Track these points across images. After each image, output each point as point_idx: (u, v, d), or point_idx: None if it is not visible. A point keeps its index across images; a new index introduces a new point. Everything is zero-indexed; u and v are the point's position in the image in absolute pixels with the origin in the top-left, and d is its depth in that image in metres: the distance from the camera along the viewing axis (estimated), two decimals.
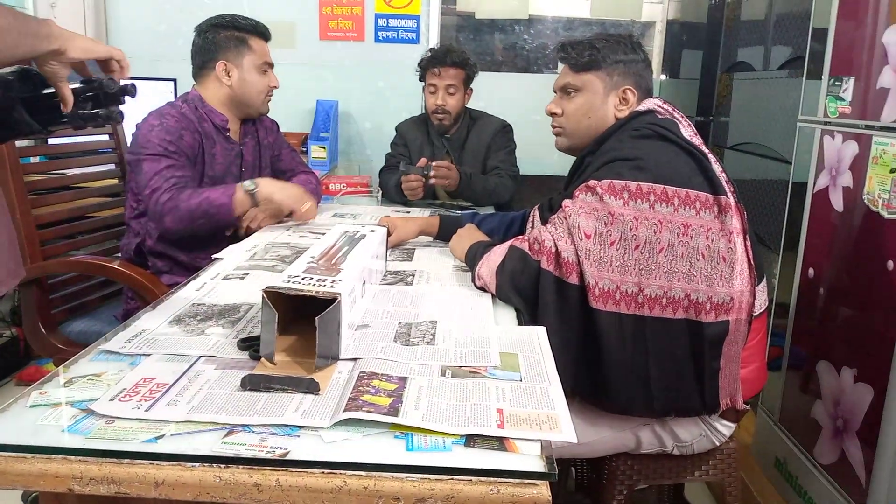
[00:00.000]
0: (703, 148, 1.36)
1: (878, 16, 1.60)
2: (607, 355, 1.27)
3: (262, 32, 1.97)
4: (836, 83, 1.74)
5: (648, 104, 1.42)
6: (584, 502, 1.86)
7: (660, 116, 1.39)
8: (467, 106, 2.57)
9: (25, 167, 1.97)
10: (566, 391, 1.32)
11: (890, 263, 1.51)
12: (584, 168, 1.41)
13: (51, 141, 2.60)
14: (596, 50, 1.45)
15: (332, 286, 0.98)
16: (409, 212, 2.24)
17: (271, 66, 1.99)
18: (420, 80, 2.54)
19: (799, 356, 1.93)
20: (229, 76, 1.91)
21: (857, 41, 1.69)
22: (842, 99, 1.71)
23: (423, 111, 2.62)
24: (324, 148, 3.15)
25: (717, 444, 1.45)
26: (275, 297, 0.96)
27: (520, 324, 1.23)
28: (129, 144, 1.92)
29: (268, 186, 1.83)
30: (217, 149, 1.92)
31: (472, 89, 2.55)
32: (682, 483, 1.81)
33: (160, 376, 0.93)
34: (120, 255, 2.15)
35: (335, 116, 3.32)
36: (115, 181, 2.30)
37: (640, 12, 3.46)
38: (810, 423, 1.81)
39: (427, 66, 2.48)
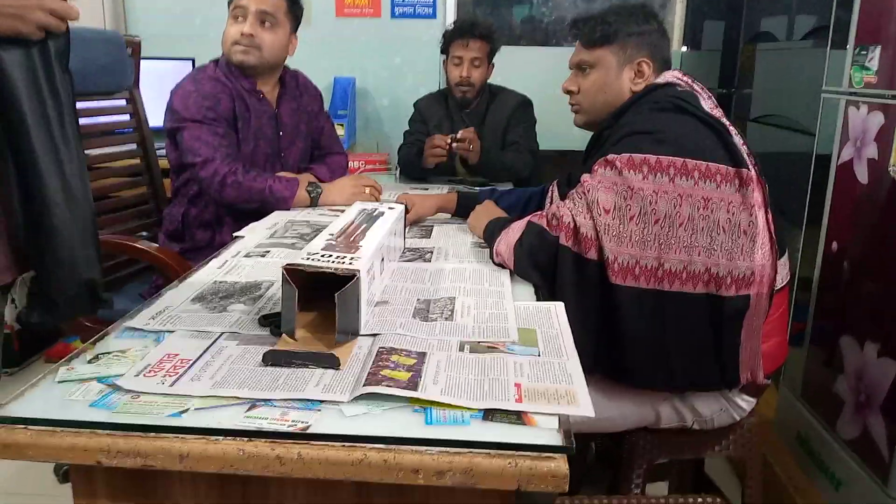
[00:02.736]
0: (724, 120, 1.34)
1: None
2: (627, 330, 1.27)
3: None
4: (862, 52, 1.70)
5: (667, 76, 1.40)
6: (605, 476, 1.87)
7: (679, 89, 1.37)
8: (487, 81, 2.55)
9: None
10: (586, 366, 1.32)
11: None
12: (603, 142, 1.40)
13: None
14: (608, 24, 1.43)
15: (350, 263, 0.99)
16: (427, 189, 2.24)
17: (244, 9, 1.84)
18: (442, 52, 2.52)
19: (822, 331, 1.91)
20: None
21: (884, 8, 1.64)
22: (868, 69, 1.68)
23: (442, 86, 2.60)
24: (342, 126, 3.15)
25: (738, 419, 1.45)
26: (295, 274, 0.96)
27: (538, 300, 1.23)
28: (165, 111, 1.90)
29: (330, 193, 1.84)
30: (251, 112, 1.90)
31: (493, 64, 2.52)
32: (703, 458, 1.81)
33: (184, 352, 0.94)
34: (145, 233, 2.18)
35: (353, 94, 3.31)
36: (137, 161, 2.32)
37: None
38: (833, 397, 1.80)
39: (452, 38, 2.45)
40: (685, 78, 1.41)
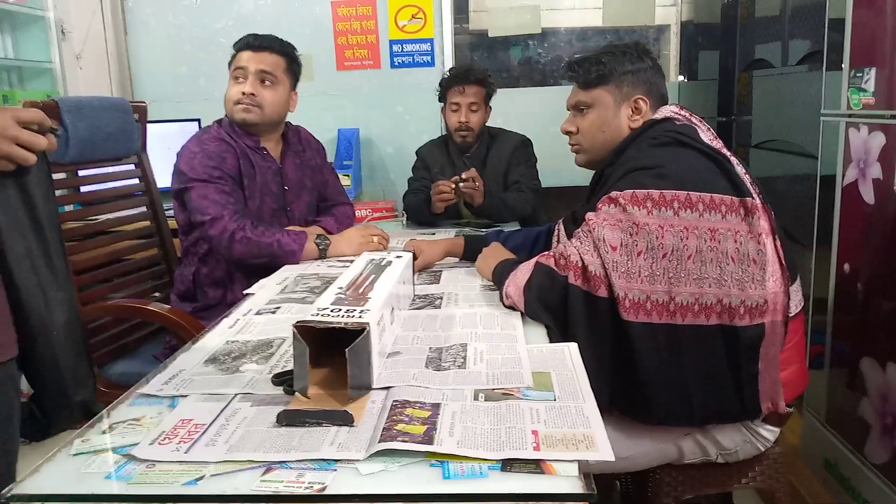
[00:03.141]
0: (725, 151, 1.35)
1: (894, 4, 1.57)
2: (642, 367, 1.26)
3: (243, 44, 1.93)
4: (858, 74, 1.71)
5: (665, 111, 1.42)
6: None
7: (677, 123, 1.38)
8: (486, 124, 2.58)
9: (61, 216, 2.02)
10: (603, 406, 1.31)
11: None
12: (605, 180, 1.41)
13: (83, 188, 2.67)
14: (602, 64, 1.45)
15: (360, 316, 0.99)
16: (434, 234, 2.25)
17: (244, 70, 1.90)
18: (440, 100, 2.56)
19: (841, 353, 1.89)
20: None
21: (876, 30, 1.66)
22: (864, 90, 1.69)
23: (443, 133, 2.64)
24: (348, 176, 3.18)
25: (762, 449, 1.42)
26: (305, 330, 0.97)
27: (551, 341, 1.22)
28: (172, 174, 1.94)
29: (338, 245, 1.86)
30: (255, 168, 1.94)
31: (491, 107, 2.56)
32: (730, 491, 1.77)
33: (198, 417, 0.94)
34: (158, 294, 2.19)
35: (357, 144, 3.36)
36: (148, 223, 2.35)
37: (653, 17, 3.46)
38: (858, 421, 1.76)
39: (449, 85, 2.50)
40: (683, 111, 1.42)
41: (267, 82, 1.90)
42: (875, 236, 1.70)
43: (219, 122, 1.97)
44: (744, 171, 1.34)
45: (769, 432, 1.41)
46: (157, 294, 2.29)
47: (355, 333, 0.96)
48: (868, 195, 1.70)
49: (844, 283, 1.84)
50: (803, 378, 1.44)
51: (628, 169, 1.32)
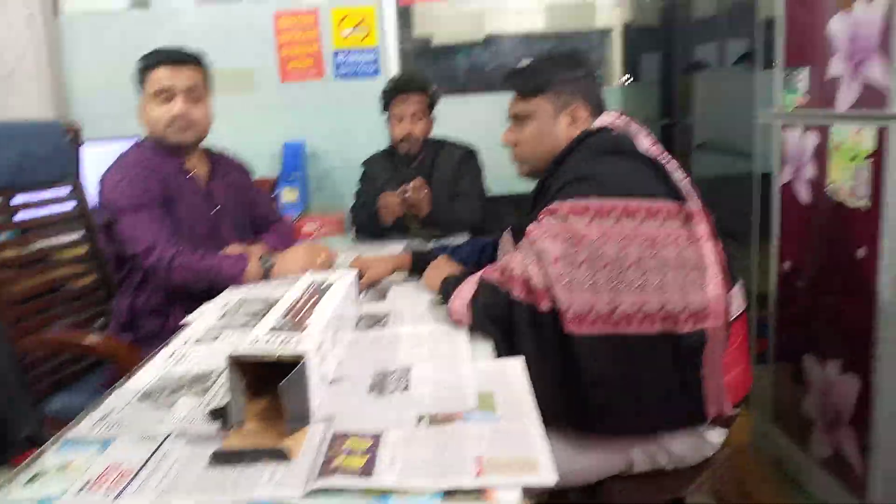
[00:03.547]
0: (664, 157, 1.36)
1: (823, 4, 1.60)
2: (589, 378, 1.26)
3: (157, 60, 1.83)
4: (790, 75, 1.75)
5: (604, 120, 1.42)
6: None
7: (616, 131, 1.38)
8: (430, 135, 2.56)
9: None
10: (551, 419, 1.31)
11: (860, 251, 1.51)
12: (546, 190, 1.41)
13: (17, 217, 2.57)
14: (539, 73, 1.45)
15: (297, 345, 0.96)
16: (384, 247, 2.22)
17: (171, 90, 1.81)
18: (384, 110, 2.54)
19: (785, 349, 1.92)
20: (142, 116, 1.86)
21: (806, 31, 1.70)
22: (797, 90, 1.72)
23: (389, 144, 2.61)
24: (295, 190, 3.14)
25: (711, 453, 1.43)
26: (241, 362, 0.93)
27: (497, 356, 1.21)
28: (97, 204, 1.87)
29: (283, 264, 1.80)
30: (182, 190, 1.86)
31: (434, 116, 2.54)
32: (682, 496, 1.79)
33: (127, 461, 0.90)
34: (104, 321, 2.11)
35: (303, 157, 3.31)
36: (85, 249, 2.27)
37: (594, 20, 3.49)
38: (803, 418, 1.80)
39: (390, 95, 2.47)
40: (621, 119, 1.42)
41: (194, 99, 1.85)
42: (812, 235, 1.73)
43: (137, 144, 1.89)
44: (683, 176, 1.35)
45: (717, 435, 1.42)
46: (101, 320, 2.21)
47: (292, 364, 0.93)
48: (804, 194, 1.74)
49: (786, 281, 1.88)
50: (747, 379, 1.46)
51: (568, 179, 1.32)
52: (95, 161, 2.44)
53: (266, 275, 1.78)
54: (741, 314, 1.40)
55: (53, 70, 3.29)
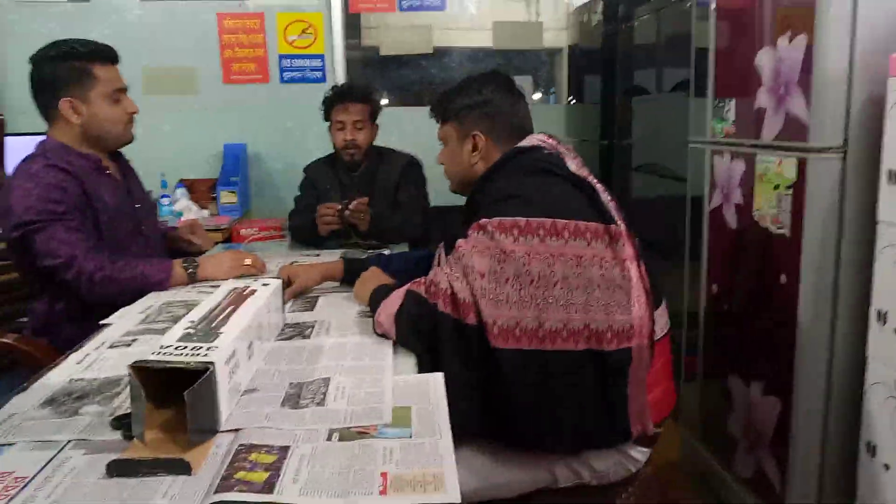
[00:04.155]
0: (591, 179, 1.37)
1: (751, 37, 1.66)
2: (512, 393, 1.26)
3: (107, 56, 1.76)
4: (720, 104, 1.80)
5: (533, 140, 1.43)
6: None
7: (545, 151, 1.39)
8: (374, 143, 2.55)
9: None
10: (475, 433, 1.31)
11: (783, 277, 1.56)
12: (476, 206, 1.41)
13: None
14: (445, 101, 1.50)
15: (206, 354, 0.93)
16: (318, 255, 2.19)
17: (124, 90, 1.79)
18: (325, 118, 2.51)
19: (712, 369, 1.97)
20: (78, 114, 1.72)
21: (735, 63, 1.75)
22: (726, 120, 1.77)
23: (333, 150, 2.59)
24: (234, 192, 3.08)
25: (634, 470, 1.44)
26: (145, 370, 0.90)
27: (420, 371, 1.20)
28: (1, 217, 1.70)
29: (207, 268, 1.76)
30: (102, 189, 1.77)
31: (377, 125, 2.53)
32: None
33: (20, 469, 0.86)
34: (26, 319, 2.02)
35: (244, 160, 3.26)
36: (4, 245, 2.18)
37: (541, 40, 3.54)
38: (728, 436, 1.84)
39: (332, 104, 2.46)
40: (550, 140, 1.44)
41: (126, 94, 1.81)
42: (739, 259, 1.78)
43: (43, 150, 1.75)
44: (609, 198, 1.37)
45: (640, 453, 1.43)
46: (23, 319, 2.12)
47: (199, 373, 0.90)
48: (731, 220, 1.78)
49: (713, 303, 1.92)
50: (670, 398, 1.48)
51: (496, 196, 1.32)
52: (20, 154, 2.35)
53: (191, 279, 1.73)
54: (665, 334, 1.42)
55: None
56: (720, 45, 1.81)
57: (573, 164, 1.38)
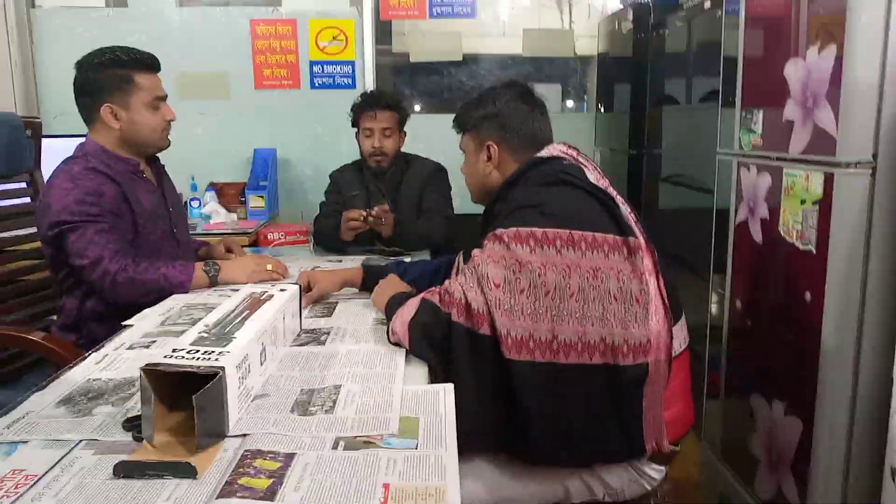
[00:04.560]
0: (611, 191, 1.36)
1: (781, 48, 1.62)
2: (525, 406, 1.25)
3: (149, 64, 1.81)
4: (748, 115, 1.77)
5: (552, 150, 1.42)
6: None
7: (565, 162, 1.39)
8: (401, 150, 2.56)
9: None
10: (487, 446, 1.30)
11: (808, 295, 1.52)
12: (494, 217, 1.40)
13: None
14: (463, 113, 1.53)
15: (217, 359, 0.94)
16: (341, 261, 2.20)
17: (164, 98, 1.84)
18: (353, 125, 2.53)
19: (735, 385, 1.93)
20: (117, 119, 1.77)
21: (763, 73, 1.72)
22: (754, 131, 1.74)
23: (361, 156, 2.60)
24: (262, 197, 3.12)
25: (649, 488, 1.42)
26: (156, 373, 0.91)
27: (432, 381, 1.20)
28: (39, 210, 1.79)
29: (229, 272, 1.78)
30: (140, 193, 1.83)
31: (405, 132, 2.54)
32: None
33: (31, 466, 0.88)
34: (55, 317, 2.07)
35: (274, 164, 3.29)
36: (39, 243, 2.23)
37: (573, 48, 3.52)
38: (749, 455, 1.80)
39: (360, 110, 2.47)
40: (570, 151, 1.43)
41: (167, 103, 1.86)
42: (764, 275, 1.74)
43: (83, 152, 1.80)
44: (629, 210, 1.36)
45: (656, 471, 1.41)
46: (53, 317, 2.17)
47: (209, 378, 0.91)
48: (757, 234, 1.75)
49: (737, 318, 1.88)
50: (688, 416, 1.46)
51: (514, 207, 1.32)
52: (57, 156, 2.41)
53: (213, 282, 1.76)
54: (684, 350, 1.40)
55: (25, 63, 3.25)
56: (749, 54, 1.78)
57: (592, 175, 1.37)
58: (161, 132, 1.84)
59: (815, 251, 1.50)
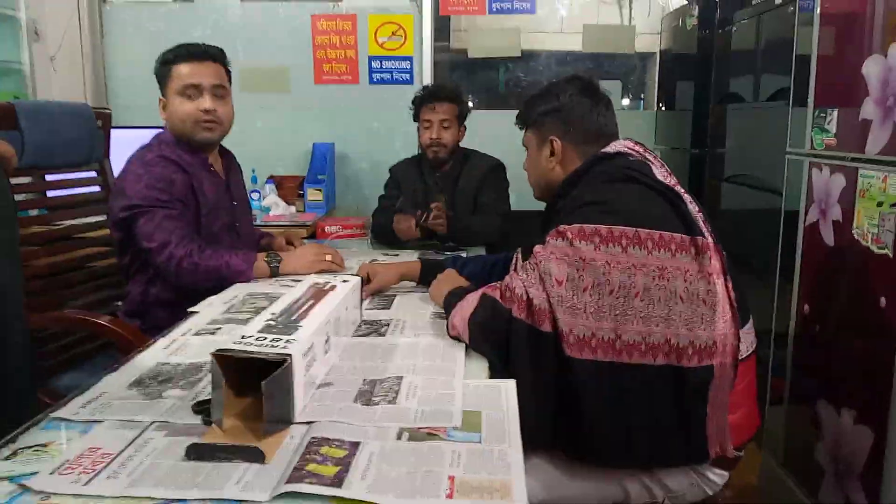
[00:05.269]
0: (678, 188, 1.33)
1: (858, 45, 1.57)
2: (586, 405, 1.23)
3: (186, 54, 1.82)
4: (821, 114, 1.71)
5: (618, 146, 1.40)
6: None
7: (631, 158, 1.36)
8: (462, 146, 2.56)
9: (22, 220, 1.99)
10: (545, 445, 1.29)
11: (882, 300, 1.46)
12: (557, 213, 1.39)
13: (49, 193, 2.62)
14: (526, 107, 1.51)
15: (285, 346, 0.95)
16: (397, 255, 2.21)
17: (198, 87, 1.81)
18: (414, 119, 2.55)
19: (800, 392, 1.87)
20: (164, 111, 1.85)
21: (838, 71, 1.66)
22: (827, 131, 1.68)
23: (419, 151, 2.62)
24: (320, 190, 3.16)
25: (711, 493, 1.39)
26: (226, 358, 0.93)
27: (491, 376, 1.19)
28: (112, 194, 1.87)
29: (290, 262, 1.81)
30: (206, 184, 1.87)
31: (465, 127, 2.54)
32: None
33: (106, 445, 0.90)
34: (120, 303, 2.14)
35: (332, 159, 3.33)
36: (108, 231, 2.30)
37: (633, 45, 3.46)
38: (814, 465, 1.74)
39: (421, 103, 2.49)
40: (637, 147, 1.40)
41: (220, 96, 1.85)
42: (835, 279, 1.68)
43: (157, 140, 1.88)
44: (697, 209, 1.32)
45: (718, 476, 1.37)
46: (118, 304, 2.24)
47: (277, 364, 0.92)
48: (828, 237, 1.69)
49: (804, 324, 1.83)
50: (753, 421, 1.42)
51: (578, 203, 1.30)
52: (124, 147, 2.49)
53: (273, 272, 1.79)
54: (751, 354, 1.36)
55: (95, 56, 3.36)
56: (824, 51, 1.72)
57: (660, 173, 1.34)
58: (193, 123, 1.82)
59: (891, 255, 1.44)
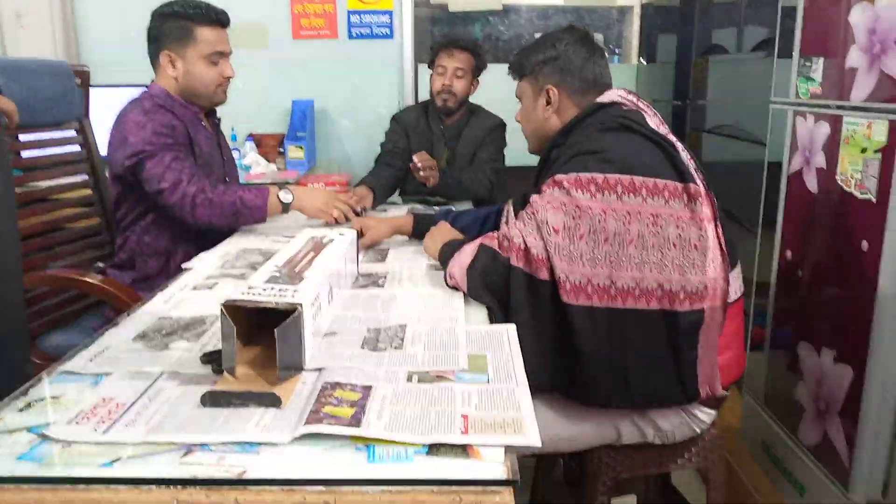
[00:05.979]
0: (671, 137, 1.35)
1: None
2: (583, 349, 1.26)
3: (214, 18, 1.84)
4: (807, 63, 1.73)
5: (612, 95, 1.41)
6: (572, 494, 1.85)
7: (625, 108, 1.37)
8: (470, 101, 2.56)
9: None
10: (543, 387, 1.33)
11: (864, 244, 1.51)
12: (552, 162, 1.40)
13: (24, 153, 2.56)
14: (520, 57, 1.50)
15: (293, 296, 0.97)
16: (385, 210, 2.22)
17: (224, 54, 1.87)
18: (429, 65, 2.54)
19: (781, 337, 1.93)
20: (174, 67, 1.84)
21: (825, 20, 1.67)
22: (812, 79, 1.70)
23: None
24: (301, 148, 3.13)
25: (699, 431, 1.44)
26: (236, 308, 0.94)
27: (491, 322, 1.22)
28: (112, 145, 1.83)
29: (301, 201, 1.82)
30: (200, 137, 1.89)
31: (478, 81, 2.54)
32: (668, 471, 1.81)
33: (120, 396, 0.91)
34: (102, 265, 2.12)
35: (311, 116, 3.30)
36: (89, 191, 2.27)
37: None
38: (794, 404, 1.81)
39: (438, 49, 2.50)
40: (630, 96, 1.41)
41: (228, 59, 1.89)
42: (817, 225, 1.73)
43: (149, 92, 1.87)
44: (689, 157, 1.35)
45: (706, 415, 1.43)
46: (100, 264, 2.22)
47: (287, 313, 0.93)
48: (812, 184, 1.73)
49: (786, 269, 1.88)
50: (740, 363, 1.47)
51: (573, 153, 1.31)
52: (102, 106, 2.44)
53: (285, 210, 1.79)
54: (738, 298, 1.40)
55: (65, 13, 3.25)
56: (809, 2, 1.73)
57: (653, 121, 1.36)
58: (215, 87, 1.88)
59: (874, 200, 1.48)
